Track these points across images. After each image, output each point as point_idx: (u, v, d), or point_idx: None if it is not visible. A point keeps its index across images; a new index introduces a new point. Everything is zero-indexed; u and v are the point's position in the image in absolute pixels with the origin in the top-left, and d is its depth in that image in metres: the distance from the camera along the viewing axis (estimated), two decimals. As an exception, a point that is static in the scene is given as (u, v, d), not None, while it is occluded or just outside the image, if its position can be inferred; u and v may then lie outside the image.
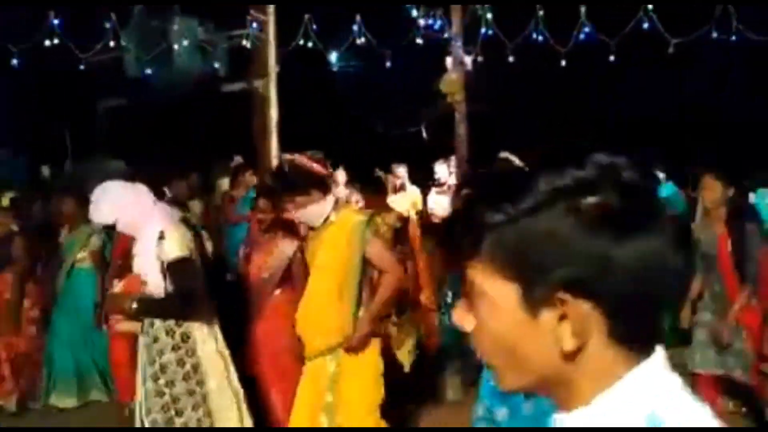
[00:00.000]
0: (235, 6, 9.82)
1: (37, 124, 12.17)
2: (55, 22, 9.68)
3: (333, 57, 11.58)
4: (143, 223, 3.66)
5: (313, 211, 3.69)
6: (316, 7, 11.33)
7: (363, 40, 11.47)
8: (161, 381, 3.66)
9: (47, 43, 9.71)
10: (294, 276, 4.58)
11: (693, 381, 4.98)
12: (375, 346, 3.83)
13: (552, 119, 13.75)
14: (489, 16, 11.55)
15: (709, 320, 5.09)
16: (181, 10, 11.12)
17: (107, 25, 10.32)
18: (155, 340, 3.70)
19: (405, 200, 8.37)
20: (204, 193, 8.79)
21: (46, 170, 10.59)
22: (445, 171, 8.46)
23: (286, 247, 4.63)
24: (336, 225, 3.76)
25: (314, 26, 11.37)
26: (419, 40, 11.63)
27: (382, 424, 3.81)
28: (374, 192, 6.33)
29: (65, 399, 6.20)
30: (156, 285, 3.64)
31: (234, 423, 3.78)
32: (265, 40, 9.00)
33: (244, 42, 10.03)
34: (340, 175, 9.36)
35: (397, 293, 3.92)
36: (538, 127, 13.10)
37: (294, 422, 3.84)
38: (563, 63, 11.34)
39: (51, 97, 12.37)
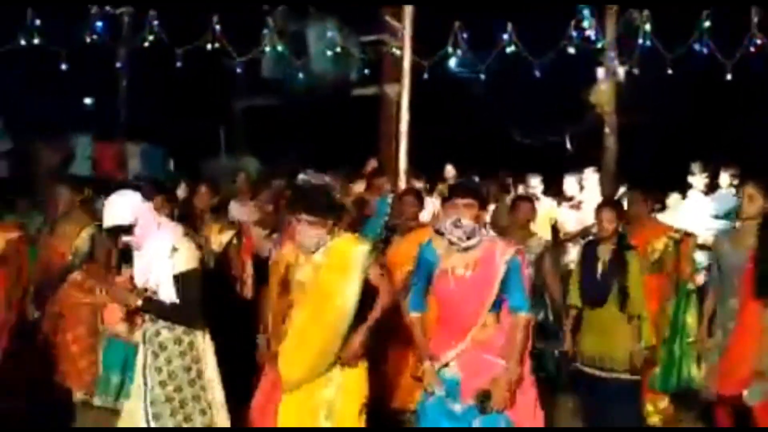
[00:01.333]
0: (373, 12, 9.99)
1: (192, 122, 12.98)
2: (217, 27, 10.24)
3: (467, 63, 11.46)
4: (153, 234, 3.80)
5: (314, 234, 3.81)
6: (466, 14, 11.32)
7: (513, 48, 11.30)
8: (170, 387, 3.81)
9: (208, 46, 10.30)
10: None
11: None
12: (364, 363, 3.94)
13: (713, 137, 12.83)
14: (647, 26, 11.01)
15: (720, 339, 4.85)
16: (320, 15, 11.53)
17: (265, 31, 10.84)
18: (162, 347, 3.84)
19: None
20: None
21: (171, 164, 11.25)
22: (574, 185, 8.11)
23: None
24: (334, 253, 3.83)
25: (464, 34, 11.36)
26: (571, 50, 11.27)
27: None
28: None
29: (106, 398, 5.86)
30: (167, 295, 3.76)
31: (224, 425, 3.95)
32: (398, 46, 9.10)
33: (393, 49, 10.21)
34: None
35: (386, 312, 3.94)
36: (696, 144, 12.27)
37: None
38: (729, 77, 10.55)
39: (206, 96, 13.20)
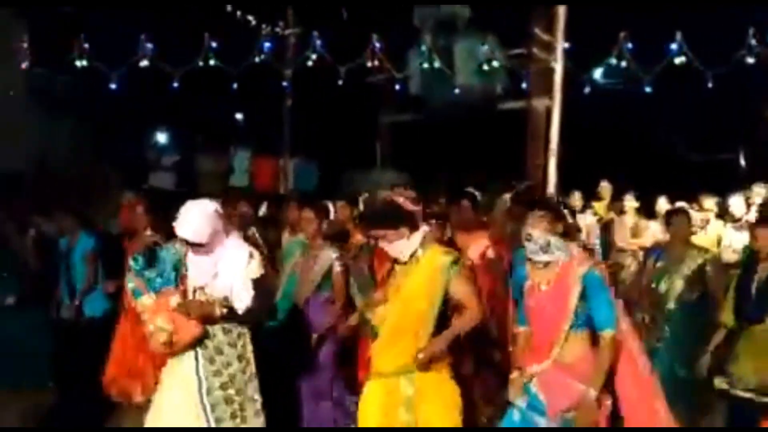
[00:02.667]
0: (522, 25, 9.69)
1: (345, 137, 13.24)
2: (377, 45, 10.34)
3: (614, 74, 10.76)
4: (224, 243, 3.93)
5: (399, 245, 3.89)
6: (632, 23, 10.74)
7: (683, 58, 10.57)
8: (231, 390, 3.90)
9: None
10: None
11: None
12: (447, 372, 3.96)
13: None
14: None
15: None
16: (467, 30, 11.35)
17: (423, 47, 10.85)
18: (218, 351, 3.92)
19: (706, 237, 7.42)
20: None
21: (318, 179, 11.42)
22: (741, 204, 7.36)
23: None
24: (424, 262, 3.93)
25: (629, 45, 10.79)
26: (749, 59, 10.35)
27: None
28: None
29: None
30: (243, 300, 3.88)
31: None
32: (550, 59, 8.75)
33: (546, 62, 9.85)
34: (628, 201, 8.70)
35: (473, 328, 3.95)
36: None
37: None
38: None
39: (356, 112, 13.43)
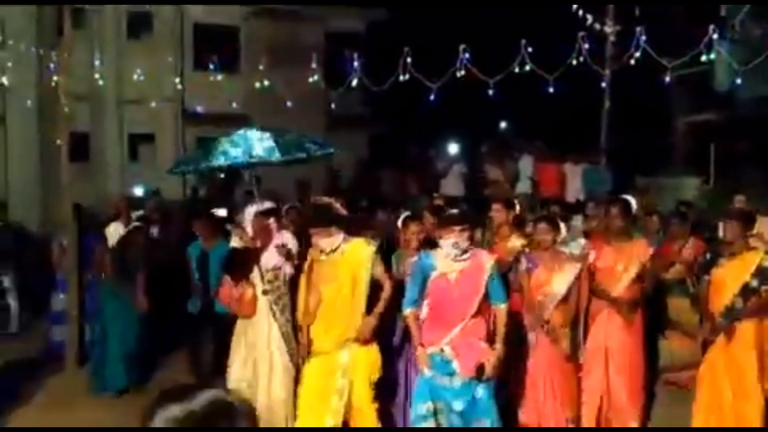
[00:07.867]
0: None
1: (633, 138, 12.56)
2: (642, 38, 9.51)
3: None
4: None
5: (328, 240, 4.98)
6: None
7: None
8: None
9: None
10: None
11: None
12: (375, 346, 5.05)
13: None
14: None
15: None
16: None
17: (712, 37, 9.88)
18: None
19: None
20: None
21: (610, 182, 10.83)
22: None
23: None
24: (350, 251, 5.01)
25: None
26: None
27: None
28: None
29: None
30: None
31: None
32: None
33: None
34: None
35: (393, 300, 5.02)
36: None
37: (305, 402, 5.08)
38: None
39: (661, 111, 12.68)
